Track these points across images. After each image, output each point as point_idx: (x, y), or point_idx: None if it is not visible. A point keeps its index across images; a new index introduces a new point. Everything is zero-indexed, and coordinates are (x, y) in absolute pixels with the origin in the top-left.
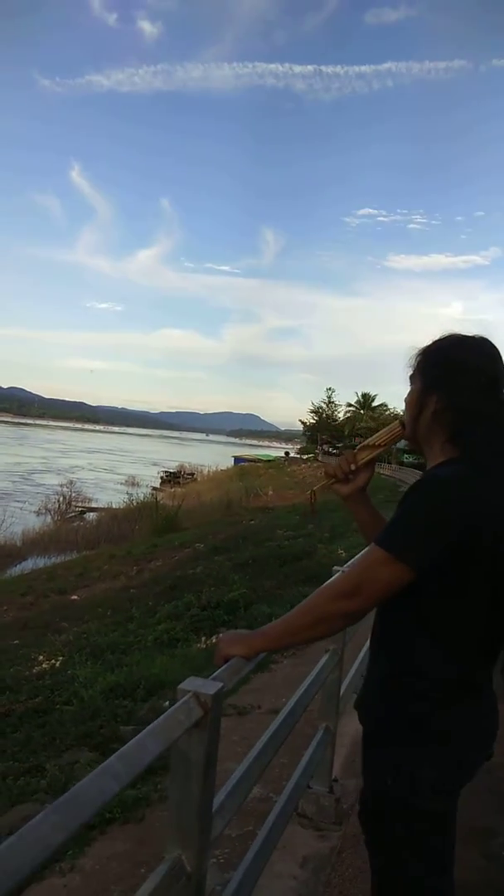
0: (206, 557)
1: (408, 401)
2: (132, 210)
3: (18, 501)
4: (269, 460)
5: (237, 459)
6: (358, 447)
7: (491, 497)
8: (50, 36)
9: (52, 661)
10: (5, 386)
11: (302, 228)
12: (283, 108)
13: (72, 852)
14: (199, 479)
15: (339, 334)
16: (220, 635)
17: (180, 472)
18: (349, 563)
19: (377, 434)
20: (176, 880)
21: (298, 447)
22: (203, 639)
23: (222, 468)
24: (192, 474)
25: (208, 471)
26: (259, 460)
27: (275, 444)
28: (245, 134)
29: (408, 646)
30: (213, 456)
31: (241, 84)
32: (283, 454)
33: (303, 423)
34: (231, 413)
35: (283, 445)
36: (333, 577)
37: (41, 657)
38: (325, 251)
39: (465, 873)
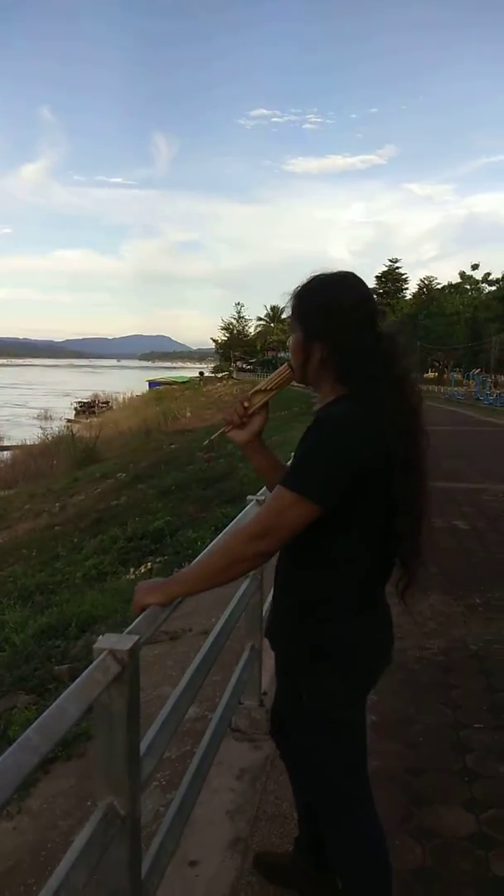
0: (128, 487)
1: (292, 347)
2: (10, 121)
3: None
4: (185, 382)
5: (152, 384)
6: (251, 392)
7: (379, 429)
8: None
9: None
10: None
11: (195, 132)
12: (168, 2)
13: (18, 795)
14: (114, 407)
15: (244, 244)
16: (137, 584)
17: (95, 401)
18: (262, 491)
19: (268, 378)
20: (111, 825)
21: (213, 366)
22: (132, 570)
23: (137, 394)
24: (108, 402)
25: (123, 398)
26: (174, 383)
27: (188, 364)
28: (125, 35)
29: (313, 575)
30: (126, 382)
31: None
32: (197, 374)
33: (214, 341)
34: (141, 336)
35: (198, 365)
36: (245, 521)
37: None
38: (222, 156)
39: (388, 761)
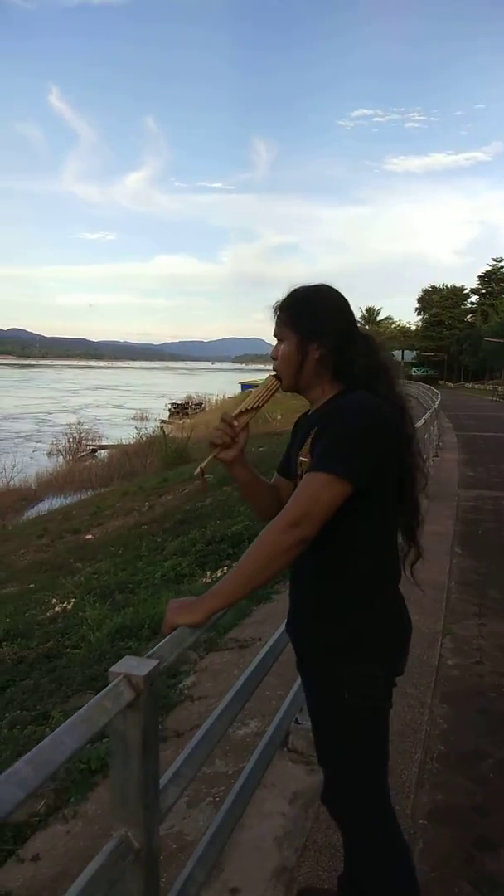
0: (214, 489)
1: (284, 356)
2: (116, 132)
3: (32, 443)
4: None
5: (244, 386)
6: (236, 412)
7: (389, 410)
8: None
9: (65, 604)
10: (5, 328)
11: (294, 136)
12: (268, 5)
13: (74, 799)
14: (207, 409)
15: (342, 246)
16: (169, 602)
17: (188, 403)
18: None
19: (253, 395)
20: (122, 858)
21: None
22: (208, 573)
23: (230, 396)
24: (200, 404)
25: (216, 399)
26: None
27: None
28: (227, 39)
29: (339, 560)
30: (219, 384)
31: None
32: None
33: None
34: (235, 339)
35: None
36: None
37: (54, 600)
38: (321, 158)
39: (453, 797)
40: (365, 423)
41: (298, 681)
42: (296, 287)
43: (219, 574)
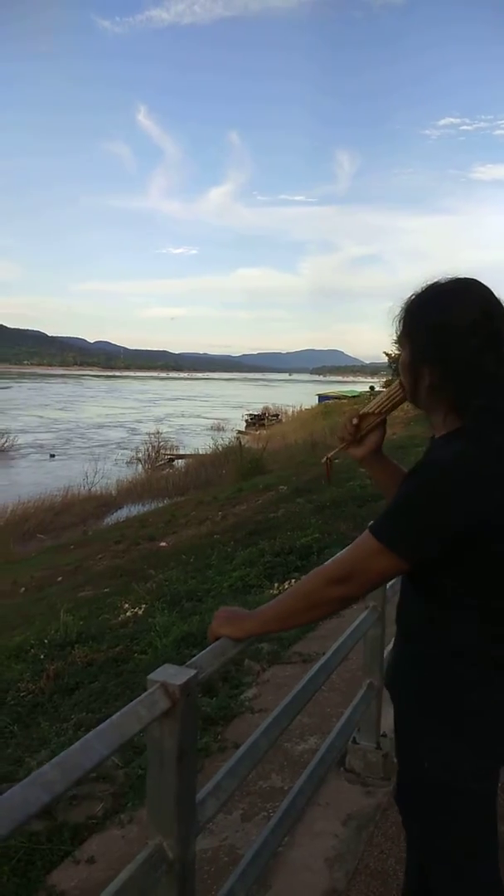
0: (287, 500)
1: (402, 367)
2: (201, 147)
3: (114, 451)
4: (355, 396)
5: (321, 397)
6: (360, 414)
7: (499, 477)
8: None
9: (136, 610)
10: (92, 340)
11: (378, 147)
12: (350, 17)
13: (131, 804)
14: (283, 420)
15: (424, 256)
16: (219, 609)
17: (265, 413)
18: None
19: (377, 400)
20: (155, 868)
21: (384, 380)
22: (275, 585)
23: (307, 407)
24: (277, 415)
25: (292, 411)
26: (344, 397)
27: (360, 378)
28: (312, 52)
29: (441, 624)
30: (297, 395)
31: None
32: (368, 389)
33: (387, 354)
34: (313, 350)
35: (369, 379)
36: (327, 562)
37: (126, 605)
38: (405, 169)
39: None
40: (432, 496)
41: (357, 699)
42: (431, 282)
43: (286, 586)
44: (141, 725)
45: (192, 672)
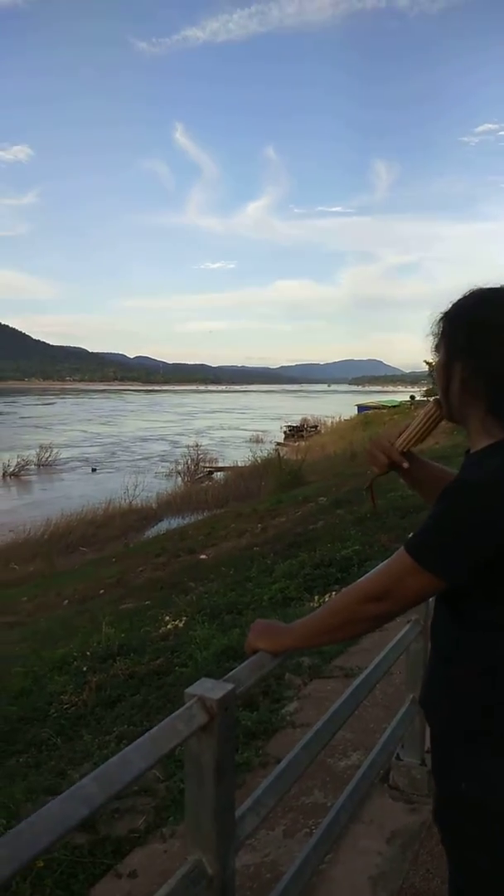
0: (327, 512)
1: (436, 371)
2: (237, 163)
3: (155, 463)
4: (395, 406)
5: (361, 408)
6: (396, 441)
7: None
8: None
9: (177, 622)
10: (132, 356)
11: (415, 156)
12: (386, 28)
13: (173, 818)
14: (322, 431)
15: (465, 263)
16: (255, 621)
17: (303, 425)
18: None
19: (415, 423)
20: (195, 884)
21: (425, 389)
22: (315, 597)
23: (346, 418)
24: (316, 426)
25: (331, 422)
26: (384, 407)
27: (400, 388)
28: (348, 64)
29: (473, 645)
30: (336, 406)
31: (340, 11)
32: (408, 398)
33: (428, 363)
34: (352, 360)
35: (410, 389)
36: (363, 577)
37: (167, 618)
38: (443, 177)
39: None
40: (464, 515)
41: (399, 714)
42: (474, 288)
43: (326, 599)
44: (179, 740)
45: (230, 686)
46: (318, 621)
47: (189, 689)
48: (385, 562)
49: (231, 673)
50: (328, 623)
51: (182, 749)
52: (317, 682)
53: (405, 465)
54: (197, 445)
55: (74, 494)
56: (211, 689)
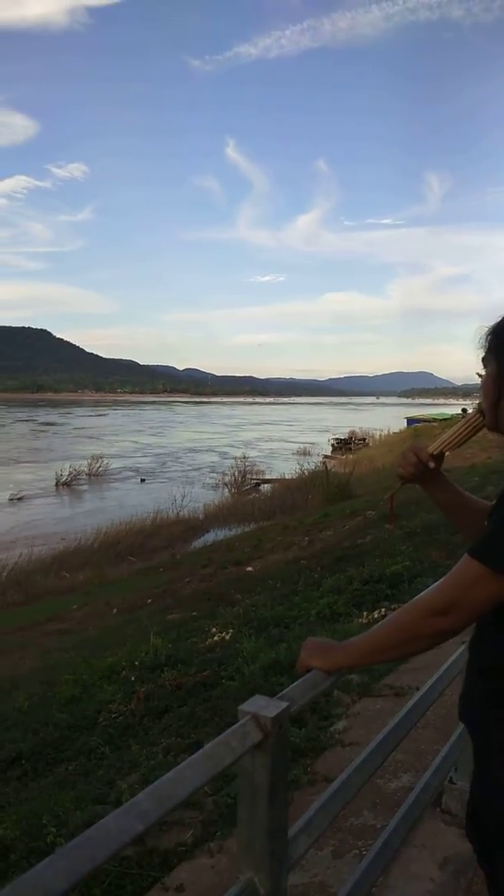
0: (375, 526)
1: (483, 386)
2: (288, 177)
3: (204, 474)
4: (446, 419)
5: (410, 421)
6: (431, 447)
7: None
8: (195, 14)
9: (223, 634)
10: (181, 368)
11: (467, 166)
12: (440, 39)
13: (220, 833)
14: (370, 444)
15: None
16: (307, 640)
17: (351, 438)
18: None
19: (453, 429)
20: None
21: (478, 402)
22: (364, 613)
23: (395, 431)
24: (364, 439)
25: (380, 435)
26: (434, 420)
27: (451, 400)
28: (400, 77)
29: None
30: (384, 419)
31: (392, 25)
32: (460, 411)
33: (480, 375)
34: (402, 373)
35: (461, 402)
36: (423, 592)
37: (214, 629)
38: (498, 187)
39: None
40: None
41: (454, 736)
42: None
43: (375, 615)
44: (233, 757)
45: (284, 705)
46: (377, 639)
47: (242, 706)
48: (446, 575)
49: (285, 691)
50: (386, 640)
51: (233, 766)
52: (366, 700)
53: (431, 464)
54: (244, 457)
55: (126, 504)
56: (265, 706)
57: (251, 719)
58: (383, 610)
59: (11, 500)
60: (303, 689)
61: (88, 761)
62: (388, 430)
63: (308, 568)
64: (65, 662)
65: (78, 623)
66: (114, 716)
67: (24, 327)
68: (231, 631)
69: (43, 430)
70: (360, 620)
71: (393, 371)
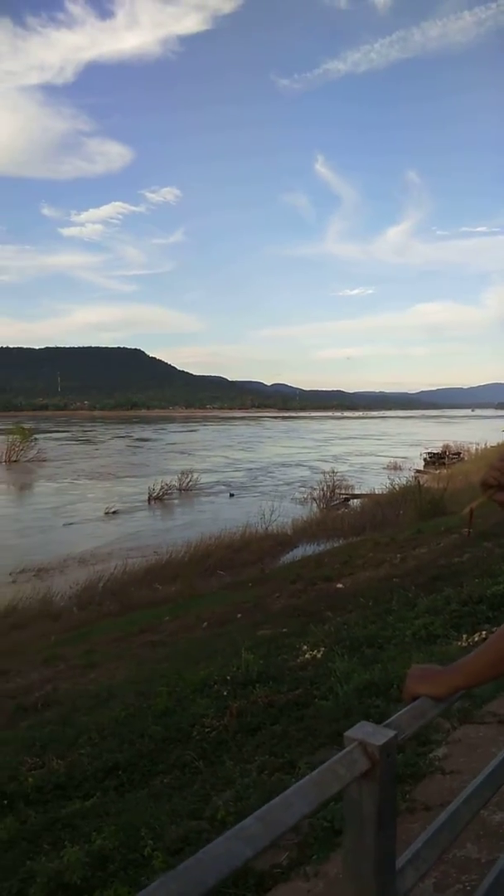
0: (472, 544)
1: None
2: (378, 190)
3: (294, 489)
4: None
5: None
6: None
7: None
8: (283, 34)
9: (314, 652)
10: (269, 383)
11: None
12: None
13: (316, 857)
14: (466, 459)
15: None
16: (412, 667)
17: (445, 452)
18: None
19: None
20: None
21: None
22: (464, 636)
23: (492, 445)
24: (459, 453)
25: (476, 449)
26: None
27: None
28: (493, 82)
29: None
30: (480, 432)
31: (485, 29)
32: None
33: None
34: (499, 384)
35: None
36: None
37: (304, 647)
38: None
39: None
40: None
41: None
42: None
43: (476, 638)
44: (340, 785)
45: (392, 733)
46: (488, 652)
47: (349, 733)
48: None
49: (391, 718)
50: (501, 652)
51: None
52: (467, 726)
53: None
54: (333, 472)
55: (218, 518)
56: (372, 734)
57: (358, 746)
58: (484, 633)
59: (107, 513)
60: (410, 718)
61: (183, 775)
62: (485, 444)
63: (401, 586)
64: (158, 674)
65: (169, 635)
66: (207, 730)
67: (118, 347)
68: (322, 649)
69: (138, 446)
70: (459, 643)
71: (489, 382)
